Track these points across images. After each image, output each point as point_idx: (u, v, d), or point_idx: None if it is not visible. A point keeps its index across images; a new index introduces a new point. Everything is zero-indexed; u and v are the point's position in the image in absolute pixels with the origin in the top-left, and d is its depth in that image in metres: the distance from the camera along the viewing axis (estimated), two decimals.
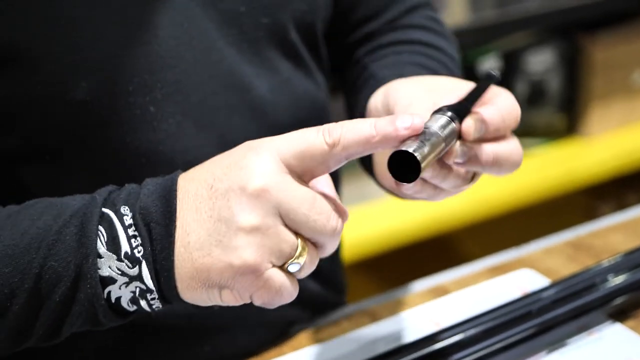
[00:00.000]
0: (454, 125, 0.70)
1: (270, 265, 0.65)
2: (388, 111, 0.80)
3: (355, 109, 0.92)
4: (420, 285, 0.99)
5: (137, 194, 0.69)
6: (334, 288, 1.03)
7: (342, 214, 0.68)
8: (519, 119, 0.77)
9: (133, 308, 0.69)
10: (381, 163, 0.86)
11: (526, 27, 2.07)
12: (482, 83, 0.72)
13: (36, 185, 0.83)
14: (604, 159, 2.13)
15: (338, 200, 0.68)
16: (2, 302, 0.68)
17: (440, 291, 0.97)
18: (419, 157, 0.65)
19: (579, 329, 0.87)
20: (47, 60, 0.77)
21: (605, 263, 0.92)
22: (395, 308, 0.94)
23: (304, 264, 0.66)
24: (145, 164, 0.82)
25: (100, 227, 0.68)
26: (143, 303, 0.68)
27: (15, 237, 0.69)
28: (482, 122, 0.73)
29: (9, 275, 0.68)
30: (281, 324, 0.95)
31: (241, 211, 0.65)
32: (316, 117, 0.94)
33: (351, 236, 1.73)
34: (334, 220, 0.66)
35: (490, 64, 2.05)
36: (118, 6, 0.79)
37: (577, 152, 2.16)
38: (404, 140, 0.67)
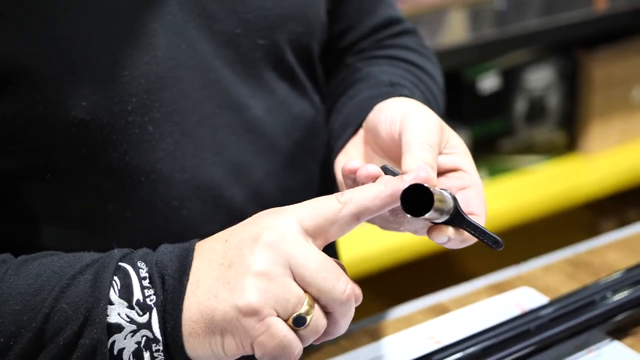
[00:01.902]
0: (448, 215, 0.71)
1: (275, 313, 0.65)
2: (397, 140, 0.79)
3: (340, 103, 0.92)
4: (420, 303, 0.99)
5: (154, 253, 0.70)
6: None
7: (355, 289, 0.69)
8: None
9: None
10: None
11: (526, 44, 2.08)
12: (489, 238, 0.73)
13: (37, 203, 0.83)
14: (604, 175, 2.13)
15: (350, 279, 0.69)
16: (5, 340, 0.68)
17: (439, 309, 0.97)
18: (434, 193, 0.67)
19: (577, 346, 0.87)
20: (48, 79, 0.77)
21: (604, 281, 0.93)
22: (395, 326, 0.94)
23: (310, 322, 0.66)
24: (143, 182, 0.83)
25: (115, 277, 0.68)
26: (146, 356, 0.68)
27: (29, 279, 0.69)
28: (453, 240, 0.73)
29: (18, 312, 0.68)
30: None
31: (252, 256, 0.66)
32: (312, 137, 0.94)
33: (352, 253, 1.73)
34: (343, 283, 0.67)
35: (490, 81, 2.05)
36: (118, 27, 0.80)
37: (577, 169, 2.16)
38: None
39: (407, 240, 1.87)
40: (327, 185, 0.96)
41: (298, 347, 0.66)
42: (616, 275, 0.94)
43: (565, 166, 2.17)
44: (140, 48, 0.81)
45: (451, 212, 0.71)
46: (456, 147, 0.80)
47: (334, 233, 0.68)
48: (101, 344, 0.67)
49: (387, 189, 0.69)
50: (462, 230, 0.73)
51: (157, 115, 0.82)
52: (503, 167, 2.09)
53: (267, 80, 0.90)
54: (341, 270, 0.68)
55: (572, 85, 2.16)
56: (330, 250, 1.02)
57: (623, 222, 2.25)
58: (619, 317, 0.89)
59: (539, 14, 2.01)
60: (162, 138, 0.83)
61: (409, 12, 1.83)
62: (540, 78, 2.13)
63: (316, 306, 0.66)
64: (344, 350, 0.91)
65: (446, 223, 0.72)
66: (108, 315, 0.67)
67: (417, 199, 0.68)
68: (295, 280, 0.66)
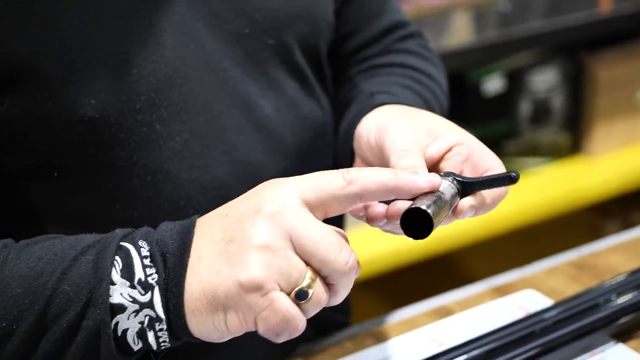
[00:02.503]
0: (457, 196, 0.73)
1: (278, 287, 0.65)
2: (380, 152, 0.81)
3: (342, 122, 0.93)
4: (424, 306, 0.99)
5: (154, 231, 0.70)
6: (339, 307, 1.03)
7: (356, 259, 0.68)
8: (505, 195, 0.78)
9: (138, 346, 0.69)
10: None
11: (530, 46, 2.08)
12: (502, 179, 0.73)
13: (44, 201, 0.83)
14: (608, 177, 2.13)
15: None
16: (8, 324, 0.68)
17: (443, 312, 0.97)
18: (432, 216, 0.68)
19: (581, 349, 0.87)
20: (55, 78, 0.78)
21: (608, 283, 0.93)
22: (399, 329, 0.94)
23: (312, 296, 0.65)
24: (150, 182, 0.83)
25: (117, 257, 0.68)
26: (150, 336, 0.68)
27: (30, 262, 0.69)
28: (478, 206, 0.75)
29: (19, 296, 0.68)
30: (286, 342, 0.95)
31: (253, 229, 0.65)
32: (320, 138, 0.94)
33: (356, 255, 1.73)
34: (346, 253, 0.66)
35: (495, 83, 2.05)
36: (127, 26, 0.80)
37: (581, 171, 2.16)
38: (414, 197, 0.70)
39: (410, 243, 1.87)
40: None
41: (302, 320, 0.66)
42: (620, 278, 0.94)
43: (569, 168, 2.16)
44: (148, 47, 0.81)
45: (456, 195, 0.72)
46: (439, 129, 0.80)
47: (334, 209, 0.68)
48: (105, 325, 0.67)
49: (396, 179, 0.69)
50: (479, 193, 0.74)
51: (165, 115, 0.83)
52: (507, 169, 2.08)
53: (276, 79, 0.90)
54: (343, 241, 0.67)
55: (577, 87, 2.16)
56: None
57: (627, 224, 2.25)
58: (623, 320, 0.89)
59: (543, 15, 2.01)
60: (170, 137, 0.83)
61: (413, 14, 1.83)
62: (544, 80, 2.13)
63: (318, 279, 0.66)
64: (348, 352, 0.91)
65: (461, 196, 0.73)
66: (110, 296, 0.67)
67: (415, 218, 0.69)
68: (297, 253, 0.65)
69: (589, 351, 0.87)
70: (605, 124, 2.17)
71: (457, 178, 0.74)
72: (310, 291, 0.65)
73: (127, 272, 0.68)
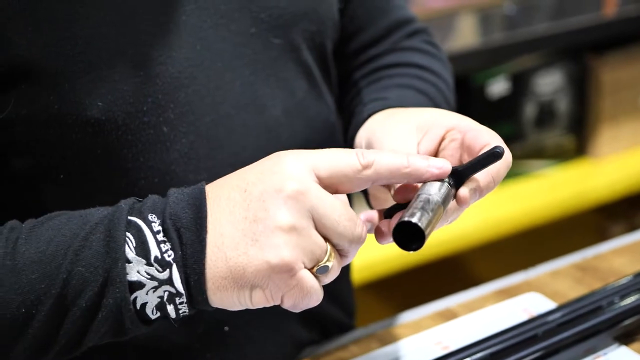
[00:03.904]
0: (452, 190, 0.73)
1: (303, 266, 0.67)
2: None
3: (347, 136, 0.94)
4: (429, 308, 0.99)
5: (163, 203, 0.70)
6: (344, 309, 1.04)
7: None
8: (509, 165, 0.78)
9: (156, 315, 0.70)
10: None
11: (535, 48, 2.08)
12: (487, 158, 0.73)
13: (51, 203, 0.83)
14: (613, 179, 2.13)
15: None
16: (27, 309, 0.69)
17: (448, 315, 0.97)
18: (422, 227, 0.68)
19: (585, 352, 0.87)
20: (64, 79, 0.78)
21: (612, 286, 0.93)
22: (403, 332, 0.95)
23: (331, 268, 0.68)
24: (158, 184, 0.83)
25: (128, 234, 0.69)
26: (170, 308, 0.69)
27: (40, 245, 0.70)
28: (478, 189, 0.75)
29: (35, 281, 0.69)
30: (290, 345, 0.96)
31: (278, 211, 0.67)
32: (329, 139, 0.95)
33: (361, 257, 1.73)
34: (360, 227, 0.69)
35: (500, 85, 2.05)
36: (134, 27, 0.81)
37: (586, 173, 2.16)
38: (425, 180, 0.72)
39: None
40: None
41: (322, 293, 0.69)
42: (624, 281, 0.94)
43: (574, 170, 2.16)
44: (154, 48, 0.82)
45: (449, 190, 0.73)
46: (427, 122, 0.81)
47: (346, 188, 0.70)
48: (125, 302, 0.69)
49: (409, 165, 0.71)
50: (474, 178, 0.74)
51: (172, 116, 0.83)
52: (512, 172, 2.08)
53: (284, 80, 0.90)
54: (355, 214, 0.70)
55: (582, 90, 2.16)
56: None
57: (632, 226, 2.25)
58: (627, 323, 0.89)
59: (549, 18, 2.01)
60: (176, 139, 0.83)
61: (419, 16, 1.82)
62: (549, 82, 2.13)
63: (334, 253, 0.69)
64: (353, 355, 0.92)
65: (457, 187, 0.74)
66: (127, 274, 0.68)
67: (407, 230, 0.70)
68: (317, 230, 0.68)
69: (592, 354, 0.88)
70: (611, 126, 2.17)
71: (453, 171, 0.74)
72: (330, 264, 0.68)
73: (142, 250, 0.69)
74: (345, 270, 1.05)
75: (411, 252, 0.70)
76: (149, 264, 0.68)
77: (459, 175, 0.74)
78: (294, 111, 0.90)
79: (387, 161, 0.70)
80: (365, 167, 0.69)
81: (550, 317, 0.88)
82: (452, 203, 0.74)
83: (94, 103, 0.79)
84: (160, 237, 0.69)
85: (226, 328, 0.90)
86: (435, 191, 0.72)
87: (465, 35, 1.94)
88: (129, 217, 0.70)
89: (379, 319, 0.99)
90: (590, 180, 2.14)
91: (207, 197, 0.70)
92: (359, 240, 0.69)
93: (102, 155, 0.82)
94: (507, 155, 0.76)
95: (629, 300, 0.90)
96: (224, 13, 0.86)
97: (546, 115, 2.14)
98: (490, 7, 1.94)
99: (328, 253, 0.68)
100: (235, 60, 0.86)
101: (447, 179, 0.73)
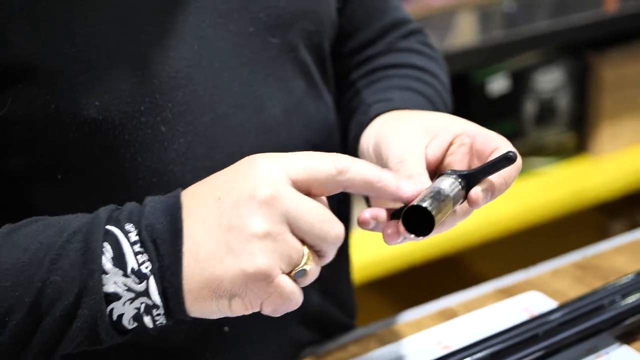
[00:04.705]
0: (462, 192, 0.74)
1: (281, 272, 0.67)
2: (381, 163, 0.82)
3: (348, 135, 0.93)
4: (429, 308, 0.99)
5: (140, 212, 0.69)
6: (345, 310, 1.03)
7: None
8: (520, 168, 0.79)
9: (133, 326, 0.69)
10: None
11: (535, 46, 2.07)
12: (501, 162, 0.74)
13: (47, 204, 0.83)
14: (614, 177, 2.12)
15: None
16: (0, 317, 0.68)
17: (448, 314, 0.97)
18: (432, 212, 0.69)
19: (586, 351, 0.87)
20: (61, 78, 0.78)
21: (613, 285, 0.92)
22: (403, 331, 0.94)
23: (309, 271, 0.68)
24: (156, 184, 0.83)
25: (105, 244, 0.68)
26: (147, 319, 0.68)
27: (16, 253, 0.69)
28: (490, 190, 0.75)
29: (8, 289, 0.68)
30: (290, 345, 0.95)
31: (252, 218, 0.66)
32: (327, 139, 0.94)
33: (361, 256, 1.73)
34: (337, 227, 0.69)
35: (500, 83, 2.05)
36: (132, 26, 0.80)
37: (587, 171, 2.15)
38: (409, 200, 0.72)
39: (415, 244, 1.87)
40: None
41: (301, 296, 0.68)
42: (625, 279, 0.93)
43: (575, 168, 2.16)
44: (152, 48, 0.81)
45: (460, 190, 0.73)
46: (436, 127, 0.81)
47: (318, 192, 0.70)
48: (101, 314, 0.68)
49: (382, 182, 0.71)
50: (487, 179, 0.74)
51: (170, 116, 0.82)
52: None
53: (283, 79, 0.90)
54: (331, 213, 0.69)
55: (582, 87, 2.16)
56: (342, 251, 1.02)
57: (633, 224, 2.24)
58: (628, 322, 0.89)
59: (549, 15, 2.00)
60: (174, 138, 0.83)
61: (418, 14, 1.83)
62: (549, 80, 2.12)
63: (312, 255, 0.68)
64: (353, 355, 0.91)
65: (467, 189, 0.74)
66: (104, 285, 0.67)
67: (416, 217, 0.70)
68: (294, 234, 0.67)
69: (593, 353, 0.87)
70: (611, 124, 2.16)
71: (459, 173, 0.74)
72: (308, 267, 0.68)
73: (119, 261, 0.68)
74: (346, 271, 1.05)
75: (420, 238, 0.70)
76: (126, 275, 0.68)
77: (471, 178, 0.74)
78: (292, 111, 0.90)
79: (361, 171, 0.70)
80: (340, 173, 0.69)
81: (551, 317, 0.88)
82: (463, 205, 0.75)
83: (91, 103, 0.79)
84: (137, 248, 0.68)
85: (226, 328, 0.89)
86: (446, 186, 0.72)
87: (465, 32, 1.93)
88: (107, 227, 0.69)
89: (379, 318, 0.99)
90: (591, 178, 2.13)
91: (182, 207, 0.69)
92: (336, 240, 0.69)
93: (100, 155, 0.81)
94: (518, 159, 0.76)
95: (631, 299, 0.90)
96: (223, 12, 0.85)
97: (546, 112, 2.14)
98: (490, 4, 1.94)
99: (306, 256, 0.67)
100: (234, 59, 0.86)
101: (459, 180, 0.73)
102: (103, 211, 0.71)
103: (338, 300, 1.02)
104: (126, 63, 0.80)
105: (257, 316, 0.89)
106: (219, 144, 0.85)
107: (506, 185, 0.76)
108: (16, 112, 0.78)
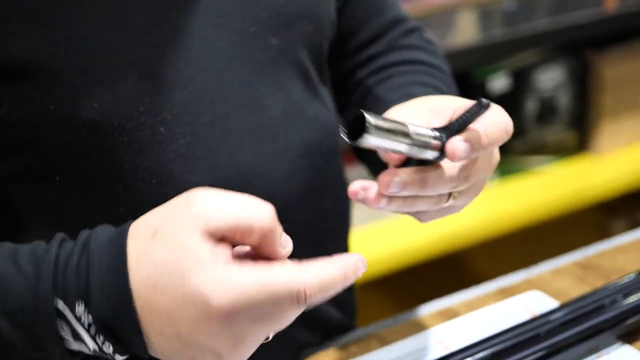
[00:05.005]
0: (435, 141, 0.71)
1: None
2: None
3: None
4: (429, 307, 0.99)
5: (85, 289, 0.65)
6: (345, 310, 1.03)
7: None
8: (508, 130, 0.76)
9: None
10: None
11: (535, 44, 2.07)
12: (472, 110, 0.72)
13: (45, 206, 0.83)
14: (615, 175, 2.12)
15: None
16: None
17: (449, 314, 0.96)
18: (369, 119, 0.67)
19: (588, 351, 0.87)
20: (60, 79, 0.77)
21: (614, 284, 0.92)
22: (404, 331, 0.94)
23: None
24: (155, 185, 0.82)
25: (59, 327, 0.66)
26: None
27: None
28: (468, 141, 0.72)
29: None
30: (291, 346, 0.95)
31: (213, 342, 0.64)
32: (327, 139, 0.94)
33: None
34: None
35: (500, 82, 2.05)
36: (131, 27, 0.80)
37: (588, 169, 2.15)
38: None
39: (416, 243, 1.87)
40: (342, 188, 0.96)
41: None
42: (627, 279, 0.93)
43: (575, 166, 2.16)
44: (151, 48, 0.81)
45: (434, 137, 0.72)
46: (439, 104, 0.80)
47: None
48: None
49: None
50: (469, 128, 0.73)
51: (169, 117, 0.82)
52: (513, 168, 2.09)
53: (283, 80, 0.89)
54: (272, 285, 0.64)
55: (582, 86, 2.16)
56: (341, 252, 1.01)
57: (634, 223, 2.25)
58: (630, 321, 0.89)
59: (549, 14, 2.00)
60: (173, 139, 0.83)
61: (418, 13, 1.83)
62: (550, 78, 2.12)
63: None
64: (353, 355, 0.91)
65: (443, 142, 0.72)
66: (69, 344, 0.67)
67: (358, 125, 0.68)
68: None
69: (595, 353, 0.87)
70: (612, 122, 2.16)
71: (441, 128, 0.73)
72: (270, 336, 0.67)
73: (78, 340, 0.66)
74: None
75: (352, 143, 0.68)
76: (88, 348, 0.67)
77: (448, 132, 0.72)
78: (291, 111, 0.90)
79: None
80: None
81: (553, 316, 0.87)
82: (449, 165, 0.73)
83: (90, 104, 0.79)
84: (92, 331, 0.66)
85: None
86: (414, 126, 0.70)
87: (465, 31, 1.93)
88: (57, 306, 0.66)
89: (380, 317, 0.99)
90: (592, 176, 2.13)
91: (131, 292, 0.65)
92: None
93: (98, 156, 0.81)
94: (504, 118, 0.75)
95: (632, 298, 0.89)
96: (223, 12, 0.85)
97: (547, 111, 2.14)
98: (490, 3, 1.94)
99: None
100: (234, 60, 0.86)
101: (435, 131, 0.72)
102: (42, 276, 0.66)
103: (339, 302, 1.01)
104: (125, 64, 0.80)
105: None
106: (219, 145, 0.85)
107: (488, 138, 0.73)
108: (14, 113, 0.78)
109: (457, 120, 0.73)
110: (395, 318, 0.98)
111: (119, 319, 0.65)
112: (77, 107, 0.78)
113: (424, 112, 0.79)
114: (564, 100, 2.15)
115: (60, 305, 0.66)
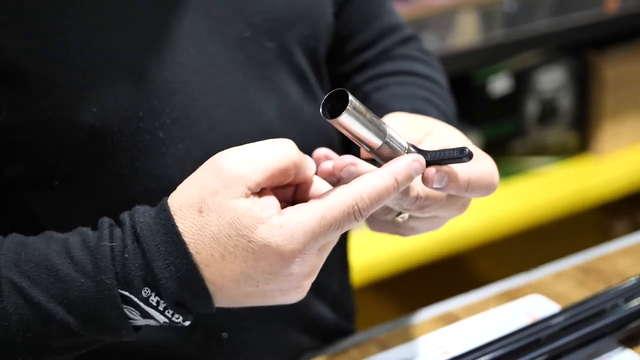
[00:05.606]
0: (403, 149, 0.72)
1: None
2: None
3: None
4: (430, 312, 0.98)
5: (151, 273, 0.69)
6: (344, 314, 1.03)
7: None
8: (491, 187, 0.76)
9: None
10: None
11: (536, 45, 2.07)
12: (452, 152, 0.72)
13: (43, 211, 0.83)
14: (616, 176, 2.12)
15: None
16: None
17: (449, 318, 0.96)
18: (350, 96, 0.68)
19: (589, 356, 0.86)
20: (58, 84, 0.77)
21: (616, 288, 0.92)
22: (404, 336, 0.93)
23: None
24: (154, 189, 0.82)
25: (127, 310, 0.70)
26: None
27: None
28: (447, 177, 0.73)
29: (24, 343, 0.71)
30: (290, 351, 0.95)
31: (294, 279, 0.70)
32: (324, 142, 0.94)
33: (361, 258, 1.73)
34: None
35: (501, 83, 2.05)
36: (127, 32, 0.80)
37: (589, 170, 2.15)
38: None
39: (416, 246, 1.87)
40: None
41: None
42: (628, 283, 0.93)
43: (577, 167, 2.16)
44: (148, 53, 0.81)
45: (403, 148, 0.72)
46: (438, 132, 0.80)
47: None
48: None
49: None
50: (448, 167, 0.73)
51: (168, 121, 0.82)
52: (514, 169, 2.09)
53: (279, 83, 0.89)
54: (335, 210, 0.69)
55: (583, 87, 2.15)
56: (340, 255, 1.01)
57: (636, 224, 2.24)
58: (631, 326, 0.88)
59: (550, 15, 2.00)
60: (172, 144, 0.82)
61: (419, 14, 1.82)
62: (551, 79, 2.12)
63: None
64: (353, 359, 0.91)
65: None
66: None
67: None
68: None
69: (596, 357, 0.87)
70: (613, 123, 2.16)
71: (416, 147, 0.73)
72: None
73: (148, 318, 0.71)
74: (345, 275, 1.04)
75: (330, 121, 0.69)
76: (158, 322, 0.71)
77: (423, 154, 0.72)
78: (288, 115, 0.89)
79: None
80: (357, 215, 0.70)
81: (554, 321, 0.87)
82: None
83: (88, 109, 0.78)
84: (161, 307, 0.70)
85: (224, 334, 0.89)
86: (393, 131, 0.71)
87: (466, 32, 1.93)
88: (122, 292, 0.69)
89: (379, 320, 0.99)
90: (593, 177, 2.13)
91: (198, 269, 0.69)
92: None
93: (97, 161, 0.81)
94: (493, 176, 0.76)
95: (634, 302, 0.89)
96: (218, 16, 0.85)
97: (548, 112, 2.13)
98: (490, 4, 1.93)
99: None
100: (229, 64, 0.85)
101: (412, 148, 0.72)
102: (105, 269, 0.70)
103: (337, 306, 1.01)
104: (122, 68, 0.79)
105: (256, 322, 0.89)
106: (217, 149, 0.84)
107: (468, 185, 0.74)
108: (11, 119, 0.78)
109: (433, 152, 0.73)
110: (395, 322, 0.97)
111: (191, 297, 0.69)
112: (75, 112, 0.78)
113: (421, 131, 0.79)
114: (565, 101, 2.15)
115: (126, 294, 0.69)
